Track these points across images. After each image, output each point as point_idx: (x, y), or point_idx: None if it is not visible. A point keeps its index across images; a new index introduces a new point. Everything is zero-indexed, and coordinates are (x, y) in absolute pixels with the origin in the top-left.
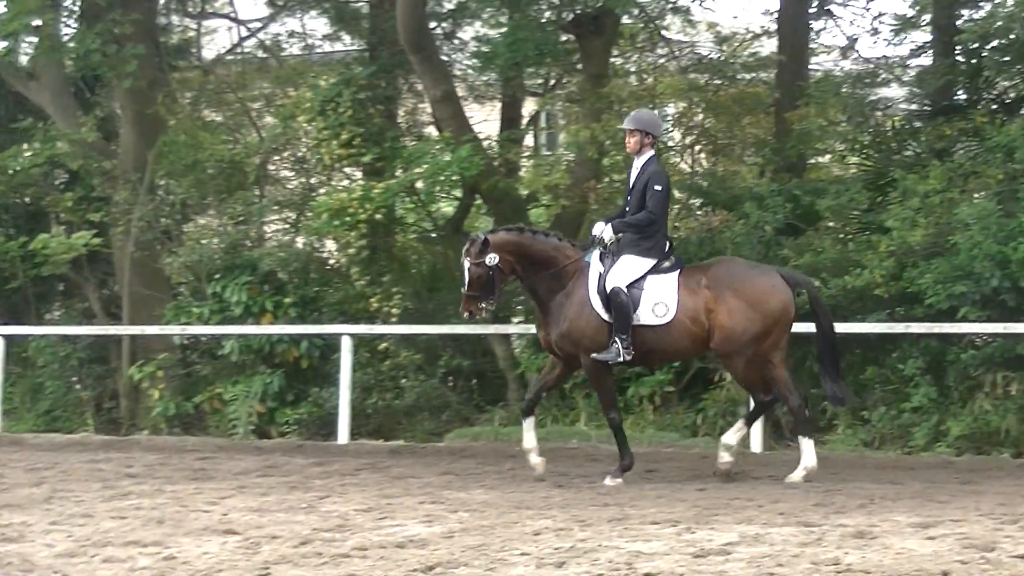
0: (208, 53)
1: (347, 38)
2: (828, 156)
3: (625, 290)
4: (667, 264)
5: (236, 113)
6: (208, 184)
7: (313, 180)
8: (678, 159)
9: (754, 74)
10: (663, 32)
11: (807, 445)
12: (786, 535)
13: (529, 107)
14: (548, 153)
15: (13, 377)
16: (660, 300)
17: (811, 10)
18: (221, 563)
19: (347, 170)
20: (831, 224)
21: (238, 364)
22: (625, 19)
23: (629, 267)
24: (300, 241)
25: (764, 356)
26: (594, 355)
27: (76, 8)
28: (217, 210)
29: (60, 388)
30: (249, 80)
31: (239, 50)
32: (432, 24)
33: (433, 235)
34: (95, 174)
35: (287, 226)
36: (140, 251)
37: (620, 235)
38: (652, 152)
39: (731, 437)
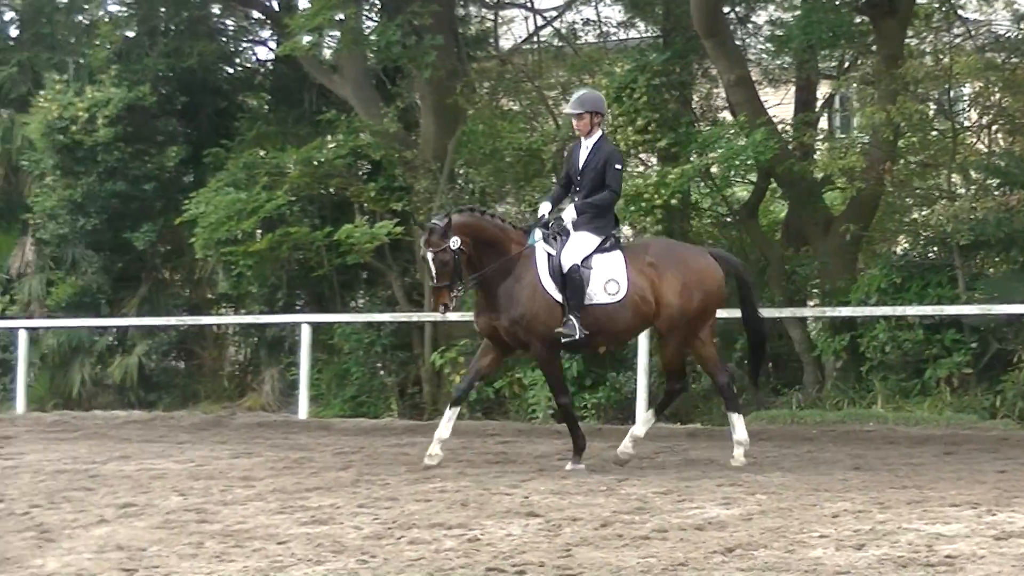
0: (505, 42)
1: (641, 25)
2: None
3: (580, 266)
4: (609, 244)
5: (533, 102)
6: (506, 172)
7: None
8: (975, 139)
9: None
10: (959, 11)
11: (738, 421)
12: None
13: (823, 90)
14: (843, 135)
15: (320, 363)
16: (611, 278)
17: None
18: (524, 545)
19: (642, 156)
20: None
21: None
22: None
23: (582, 243)
24: None
25: (694, 332)
26: (557, 330)
27: (377, 1)
28: (516, 197)
29: (365, 374)
30: (545, 68)
31: (535, 39)
32: (726, 9)
33: (728, 219)
34: (397, 164)
35: None
36: None
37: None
38: (601, 132)
39: (640, 429)
